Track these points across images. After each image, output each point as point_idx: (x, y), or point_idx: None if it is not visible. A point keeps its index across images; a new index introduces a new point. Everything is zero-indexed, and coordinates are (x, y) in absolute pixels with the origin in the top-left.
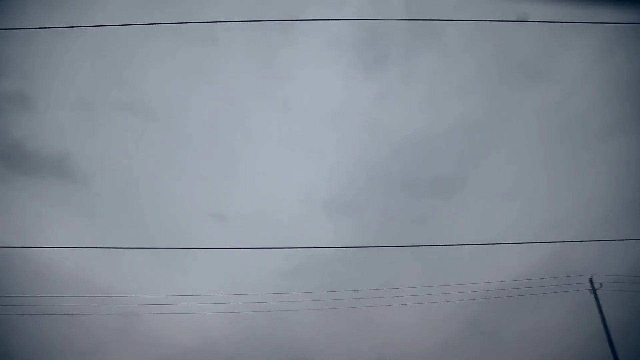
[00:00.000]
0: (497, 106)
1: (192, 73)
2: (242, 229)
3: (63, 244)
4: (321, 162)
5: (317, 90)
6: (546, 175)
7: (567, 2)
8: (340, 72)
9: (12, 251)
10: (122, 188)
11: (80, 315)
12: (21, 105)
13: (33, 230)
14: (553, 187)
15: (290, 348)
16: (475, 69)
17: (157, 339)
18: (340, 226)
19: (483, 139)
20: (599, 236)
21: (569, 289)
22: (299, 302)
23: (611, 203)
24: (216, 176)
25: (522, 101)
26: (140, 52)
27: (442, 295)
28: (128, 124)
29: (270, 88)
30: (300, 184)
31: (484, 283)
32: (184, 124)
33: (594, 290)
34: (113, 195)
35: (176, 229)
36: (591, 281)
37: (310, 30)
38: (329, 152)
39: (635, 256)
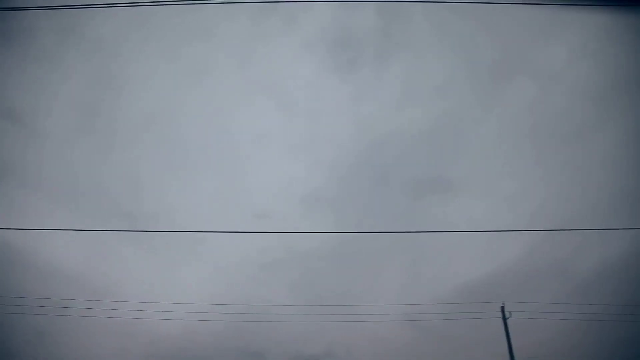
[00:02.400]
0: (473, 105)
1: (168, 68)
2: (219, 222)
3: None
4: (298, 158)
5: (293, 89)
6: (523, 173)
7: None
8: (314, 71)
9: None
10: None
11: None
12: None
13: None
14: (530, 184)
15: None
16: (451, 69)
17: (133, 327)
18: (317, 220)
19: (460, 137)
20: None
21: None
22: (277, 295)
23: (589, 199)
24: (191, 171)
25: (498, 100)
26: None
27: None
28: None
29: (248, 86)
30: (278, 179)
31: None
32: (163, 121)
33: (504, 319)
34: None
35: (156, 221)
36: (502, 309)
37: (285, 29)
38: (305, 149)
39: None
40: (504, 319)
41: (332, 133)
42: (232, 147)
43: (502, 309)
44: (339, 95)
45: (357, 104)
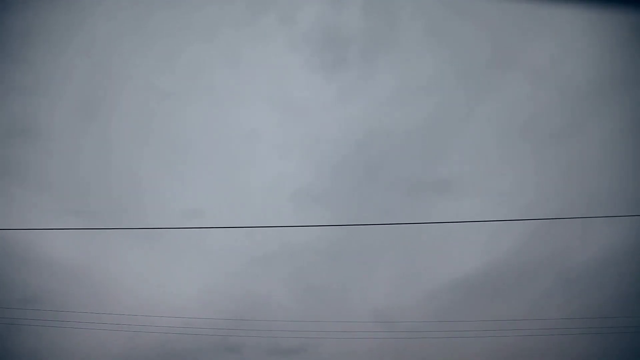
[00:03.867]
0: (464, 101)
1: (158, 65)
2: (210, 220)
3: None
4: (287, 155)
5: (279, 88)
6: (515, 169)
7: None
8: (300, 71)
9: None
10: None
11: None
12: None
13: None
14: (516, 184)
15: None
16: (440, 66)
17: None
18: (308, 216)
19: (451, 134)
20: (560, 230)
21: None
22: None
23: (572, 199)
24: (179, 169)
25: (489, 96)
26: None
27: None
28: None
29: (238, 84)
30: (268, 176)
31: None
32: (156, 118)
33: None
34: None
35: (148, 219)
36: None
37: (272, 29)
38: (294, 147)
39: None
40: None
41: (323, 131)
42: (225, 144)
43: None
44: (325, 95)
45: (348, 101)
